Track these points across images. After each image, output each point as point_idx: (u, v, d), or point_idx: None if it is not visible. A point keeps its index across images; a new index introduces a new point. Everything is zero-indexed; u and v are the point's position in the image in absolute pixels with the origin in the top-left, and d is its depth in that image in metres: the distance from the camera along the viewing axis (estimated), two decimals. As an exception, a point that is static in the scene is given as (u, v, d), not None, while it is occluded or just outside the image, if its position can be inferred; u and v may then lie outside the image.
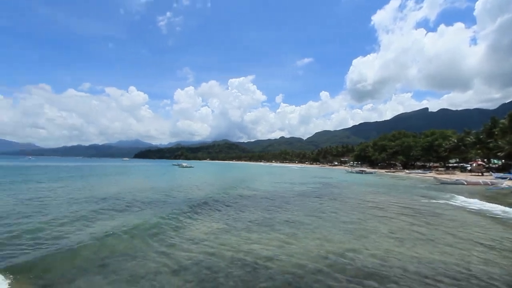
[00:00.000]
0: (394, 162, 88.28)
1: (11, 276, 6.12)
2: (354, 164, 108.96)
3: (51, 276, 6.33)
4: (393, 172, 70.19)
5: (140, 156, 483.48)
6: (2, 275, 6.13)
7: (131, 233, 9.68)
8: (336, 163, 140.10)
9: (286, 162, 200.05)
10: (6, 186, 23.35)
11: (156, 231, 10.04)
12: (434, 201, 19.50)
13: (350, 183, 36.04)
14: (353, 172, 68.40)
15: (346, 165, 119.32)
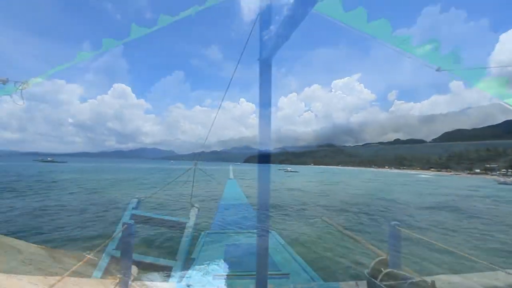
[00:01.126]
0: None
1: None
2: (508, 173, 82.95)
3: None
4: None
5: (249, 161, 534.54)
6: None
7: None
8: (477, 170, 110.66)
9: (403, 169, 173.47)
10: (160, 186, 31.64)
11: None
12: None
13: (507, 200, 27.88)
14: (508, 184, 52.58)
15: (494, 173, 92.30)
